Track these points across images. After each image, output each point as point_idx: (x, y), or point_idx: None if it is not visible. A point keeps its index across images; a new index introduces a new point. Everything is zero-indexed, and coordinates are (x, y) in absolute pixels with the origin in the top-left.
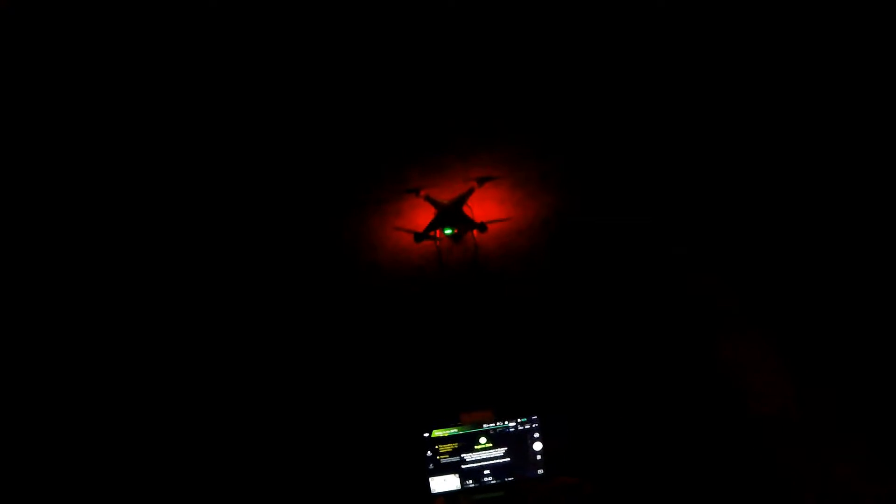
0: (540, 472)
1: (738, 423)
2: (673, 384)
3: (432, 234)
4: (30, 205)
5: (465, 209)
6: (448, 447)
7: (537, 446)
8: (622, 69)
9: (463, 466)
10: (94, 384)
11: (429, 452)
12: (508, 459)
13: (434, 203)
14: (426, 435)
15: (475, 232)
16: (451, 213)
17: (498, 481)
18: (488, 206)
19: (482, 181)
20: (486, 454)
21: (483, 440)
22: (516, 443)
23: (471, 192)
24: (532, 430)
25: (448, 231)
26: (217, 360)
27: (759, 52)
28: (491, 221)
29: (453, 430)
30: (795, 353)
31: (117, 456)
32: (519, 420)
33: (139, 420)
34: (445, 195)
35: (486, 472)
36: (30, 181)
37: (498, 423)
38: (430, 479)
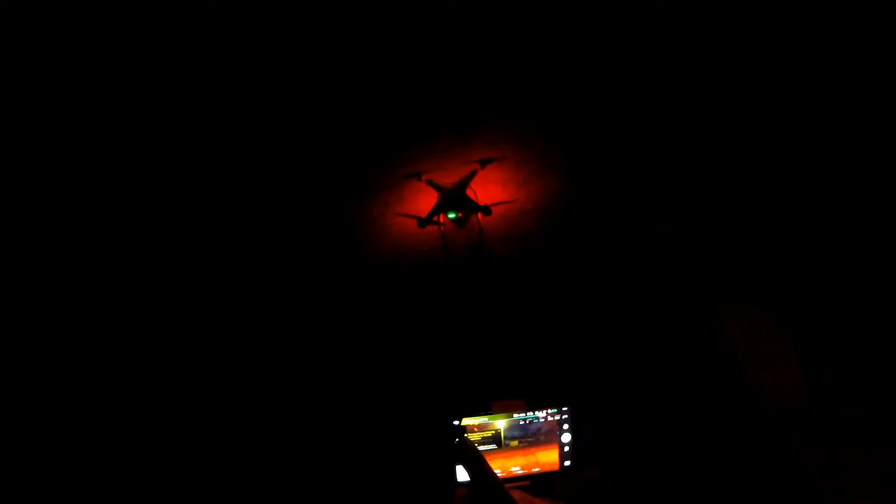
0: (567, 463)
1: (751, 416)
2: (684, 375)
3: (436, 219)
4: (29, 205)
5: (469, 192)
6: (476, 437)
7: (566, 438)
8: (629, 41)
9: None
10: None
11: (457, 440)
12: None
13: (436, 187)
14: (456, 423)
15: (479, 215)
16: (454, 197)
17: (524, 472)
18: (492, 189)
19: (484, 163)
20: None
21: (514, 443)
22: (546, 434)
23: (473, 174)
24: (562, 422)
25: (452, 215)
26: (245, 358)
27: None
28: (495, 204)
29: (483, 419)
30: (801, 333)
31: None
32: (549, 411)
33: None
34: (448, 179)
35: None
36: (28, 181)
37: (528, 413)
38: (457, 467)
